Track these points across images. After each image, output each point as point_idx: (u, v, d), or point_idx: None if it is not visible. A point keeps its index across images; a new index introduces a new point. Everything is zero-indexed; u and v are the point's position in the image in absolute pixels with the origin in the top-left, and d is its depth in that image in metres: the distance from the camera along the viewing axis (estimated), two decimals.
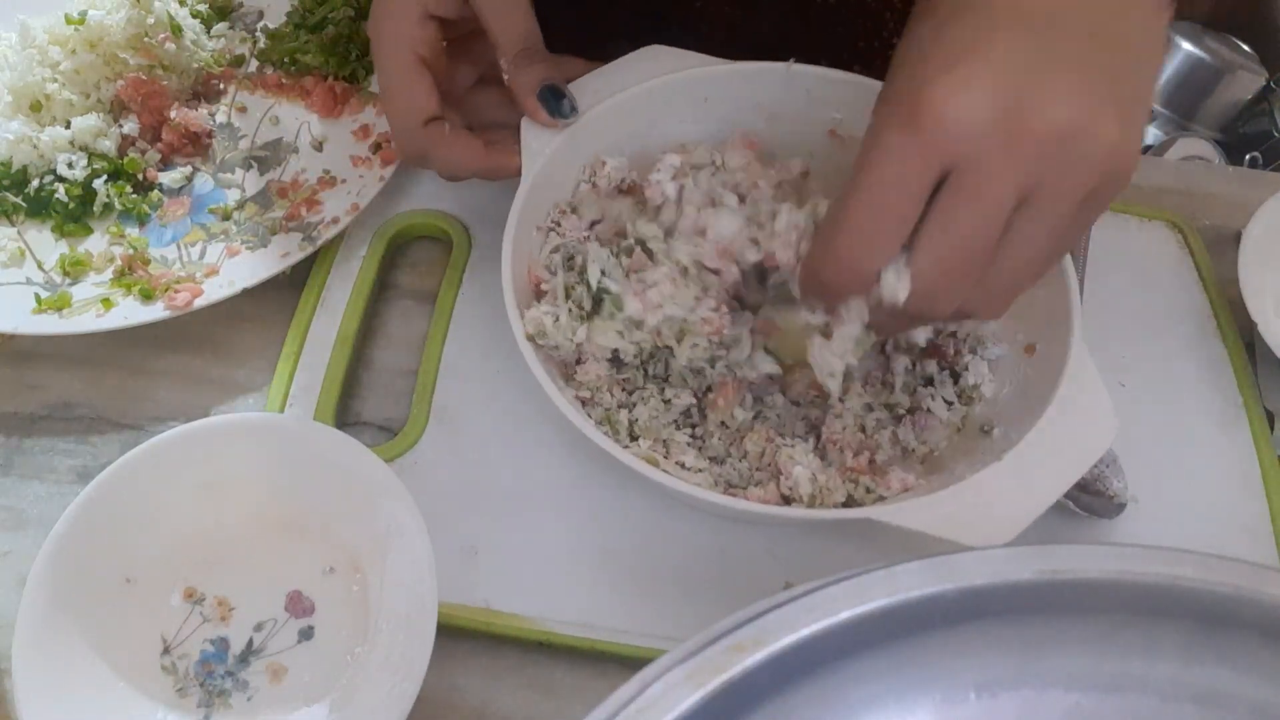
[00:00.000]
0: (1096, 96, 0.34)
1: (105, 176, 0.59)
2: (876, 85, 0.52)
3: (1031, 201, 0.35)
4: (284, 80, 0.65)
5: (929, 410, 0.49)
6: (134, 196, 0.59)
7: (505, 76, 0.50)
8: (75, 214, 0.58)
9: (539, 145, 0.49)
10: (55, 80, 0.61)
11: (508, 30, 0.49)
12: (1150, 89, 0.37)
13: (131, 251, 0.56)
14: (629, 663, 0.45)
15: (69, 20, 0.61)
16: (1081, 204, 0.35)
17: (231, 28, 0.68)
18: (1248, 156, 1.58)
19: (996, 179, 0.34)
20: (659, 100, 0.52)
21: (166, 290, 0.54)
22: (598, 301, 0.48)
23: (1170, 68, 1.64)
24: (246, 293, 0.54)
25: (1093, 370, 0.44)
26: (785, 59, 0.51)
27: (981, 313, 0.39)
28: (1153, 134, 1.65)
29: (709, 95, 0.53)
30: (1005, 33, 0.34)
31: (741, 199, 0.48)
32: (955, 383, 0.49)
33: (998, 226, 0.35)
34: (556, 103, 0.49)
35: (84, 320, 0.53)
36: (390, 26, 0.49)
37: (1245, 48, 1.62)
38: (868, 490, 0.45)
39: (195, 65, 0.64)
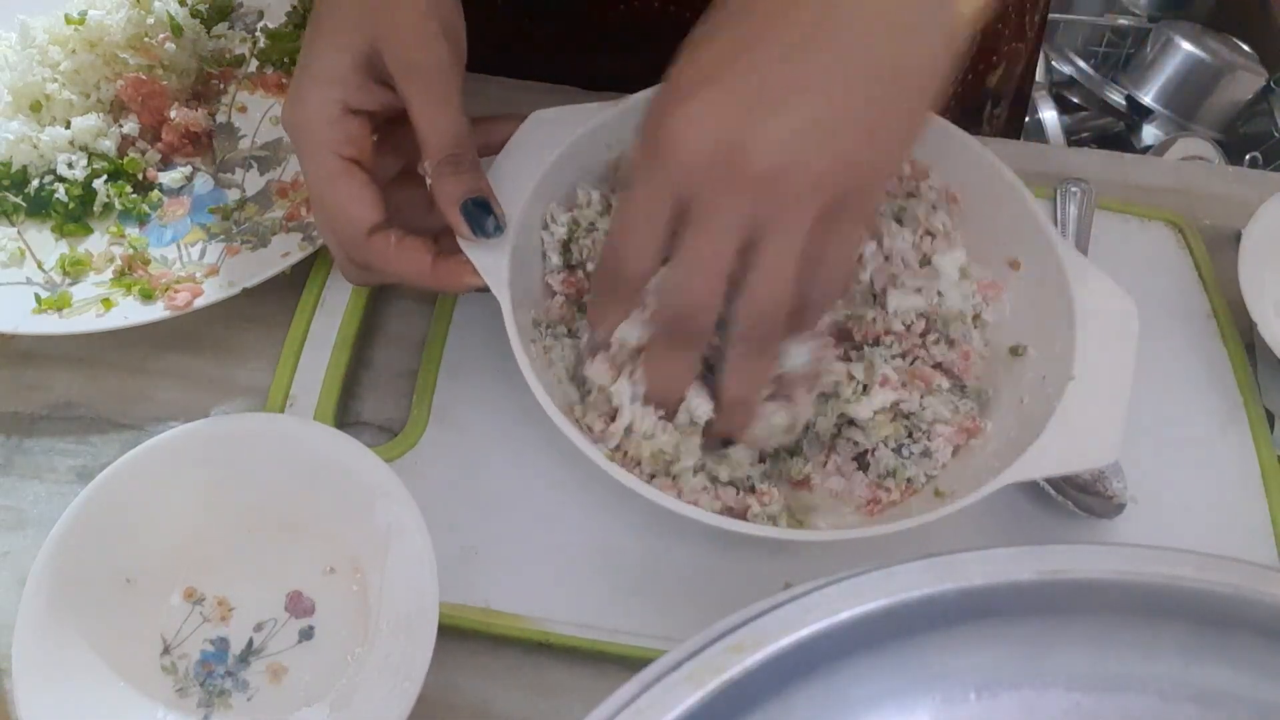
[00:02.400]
0: (820, 126, 0.36)
1: (105, 176, 0.59)
2: None
3: (760, 234, 0.37)
4: (284, 80, 0.65)
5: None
6: (134, 196, 0.59)
7: (429, 181, 0.46)
8: (75, 214, 0.58)
9: (490, 261, 0.46)
10: (55, 80, 0.61)
11: (437, 131, 0.45)
12: (916, 102, 0.38)
13: (131, 251, 0.56)
14: (629, 663, 0.45)
15: (69, 20, 0.61)
16: (829, 217, 0.37)
17: (231, 28, 0.68)
18: (1248, 156, 1.58)
19: (720, 211, 0.37)
20: (572, 167, 0.50)
21: (166, 290, 0.54)
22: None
23: (1170, 68, 1.64)
24: (246, 293, 0.54)
25: (1092, 268, 0.46)
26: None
27: (747, 334, 0.40)
28: (1152, 134, 1.66)
29: (610, 142, 0.51)
30: (749, 61, 0.36)
31: None
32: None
33: (725, 254, 0.37)
34: (482, 219, 0.45)
35: (84, 320, 0.53)
36: (309, 128, 0.45)
37: (1245, 48, 1.62)
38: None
39: (195, 65, 0.64)
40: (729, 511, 0.45)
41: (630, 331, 0.43)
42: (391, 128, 0.48)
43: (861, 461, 0.48)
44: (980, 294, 0.51)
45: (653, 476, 0.46)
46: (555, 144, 0.49)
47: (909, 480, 0.47)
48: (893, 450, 0.47)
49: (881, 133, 0.37)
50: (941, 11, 0.37)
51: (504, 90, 0.67)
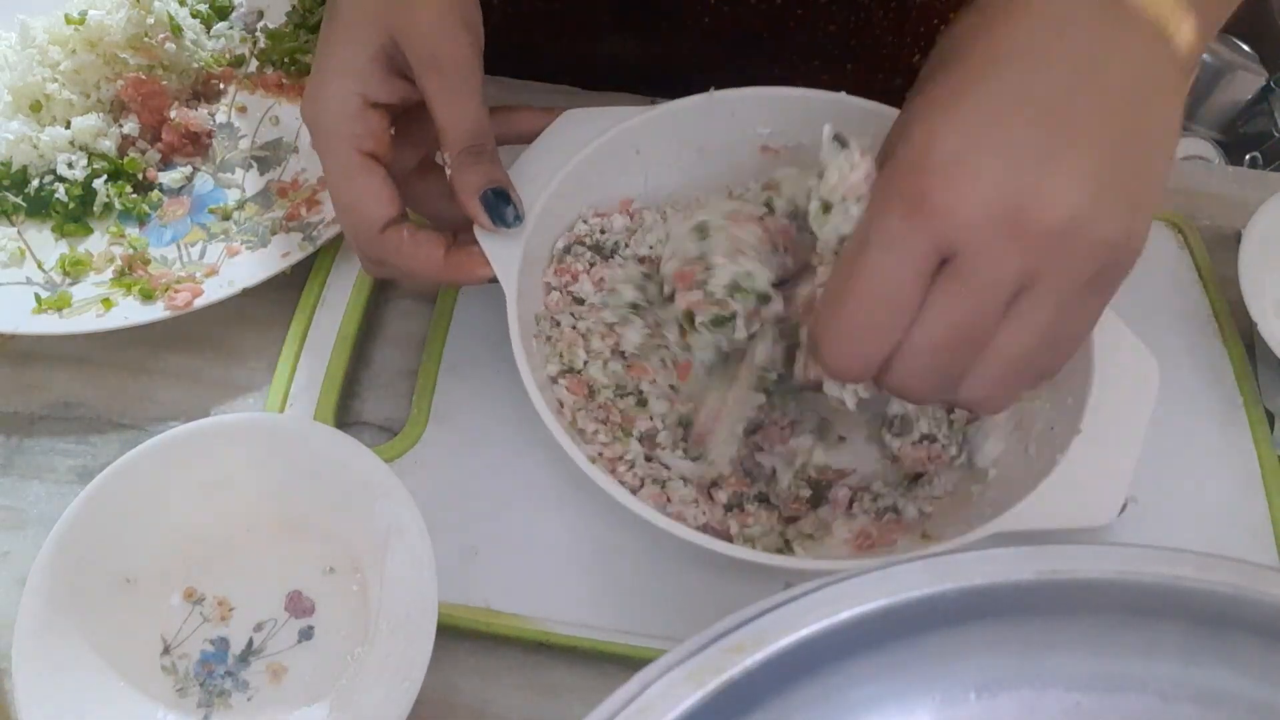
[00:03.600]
0: (1103, 188, 0.33)
1: (105, 176, 0.59)
2: (795, 94, 0.52)
3: (1030, 290, 0.34)
4: (284, 80, 0.65)
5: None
6: (134, 196, 0.59)
7: (448, 172, 0.46)
8: (75, 214, 0.58)
9: (504, 252, 0.46)
10: (55, 80, 0.61)
11: (456, 122, 0.45)
12: (1163, 172, 0.36)
13: (131, 251, 0.56)
14: (629, 663, 0.45)
15: (69, 20, 0.61)
16: (1083, 290, 0.35)
17: (231, 28, 0.68)
18: (1248, 156, 1.58)
19: (996, 269, 0.34)
20: (595, 168, 0.51)
21: (166, 290, 0.54)
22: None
23: None
24: (246, 293, 0.54)
25: (1117, 322, 0.45)
26: (777, 54, 0.51)
27: (980, 404, 0.38)
28: None
29: (640, 146, 0.52)
30: (1018, 117, 0.34)
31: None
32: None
33: (993, 316, 0.35)
34: (501, 209, 0.46)
35: (84, 320, 0.53)
36: (330, 122, 0.45)
37: (1245, 48, 1.62)
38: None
39: (195, 65, 0.64)
40: (710, 530, 0.45)
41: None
42: (409, 119, 0.48)
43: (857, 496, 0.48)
44: None
45: (642, 484, 0.46)
46: (583, 143, 0.50)
47: (897, 513, 0.46)
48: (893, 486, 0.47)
49: (1148, 196, 0.35)
50: (1174, 71, 0.36)
51: (503, 90, 0.67)
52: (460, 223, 0.47)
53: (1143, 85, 0.35)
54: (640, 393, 0.49)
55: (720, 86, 0.52)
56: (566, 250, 0.52)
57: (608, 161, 0.51)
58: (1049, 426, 0.46)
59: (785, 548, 0.45)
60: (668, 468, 0.47)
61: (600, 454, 0.46)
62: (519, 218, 0.46)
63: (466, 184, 0.46)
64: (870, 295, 0.35)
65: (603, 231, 0.52)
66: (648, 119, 0.51)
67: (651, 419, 0.48)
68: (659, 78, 0.65)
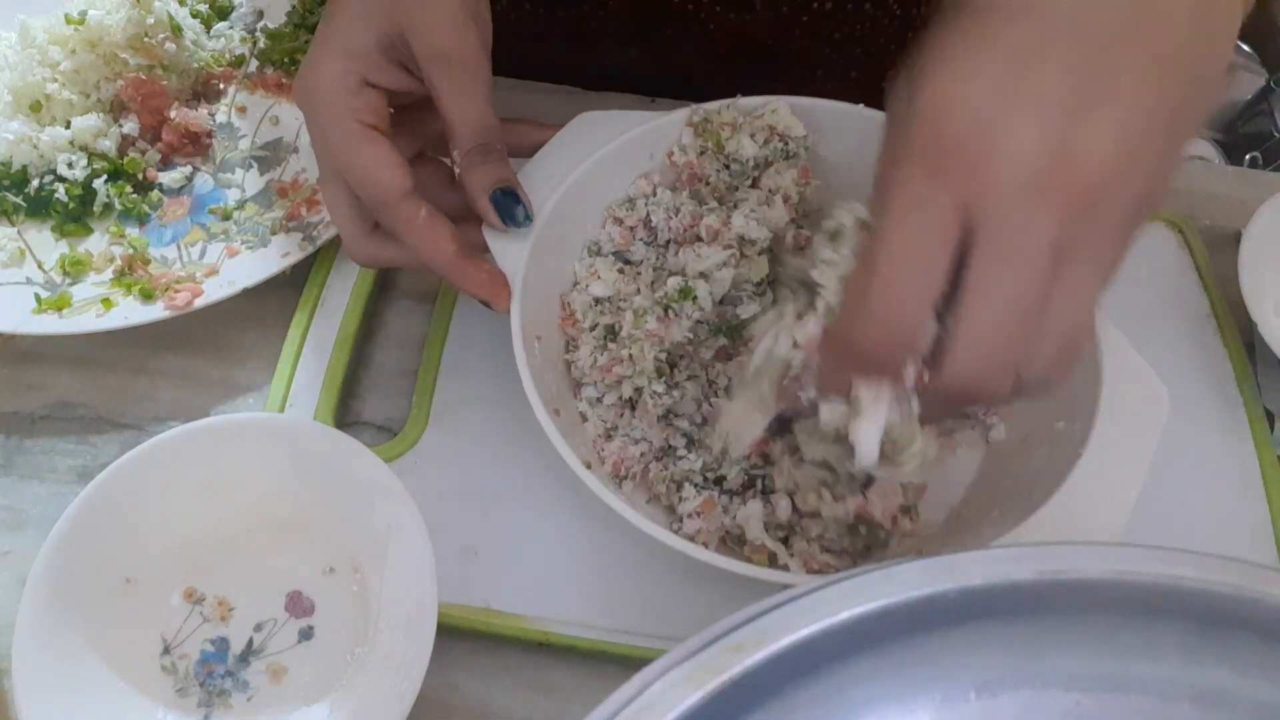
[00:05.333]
0: (1142, 137, 0.31)
1: (105, 176, 0.59)
2: (808, 104, 0.52)
3: (1069, 254, 0.31)
4: (284, 80, 0.65)
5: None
6: (134, 196, 0.59)
7: (457, 170, 0.46)
8: (75, 214, 0.58)
9: (511, 252, 0.46)
10: (55, 80, 0.61)
11: (466, 120, 0.44)
12: (1206, 110, 0.34)
13: (131, 251, 0.56)
14: (629, 663, 0.45)
15: (69, 20, 0.61)
16: (1116, 234, 0.33)
17: (231, 28, 0.68)
18: (1248, 156, 1.58)
19: (1030, 240, 0.31)
20: (608, 170, 0.51)
21: (166, 290, 0.54)
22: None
23: None
24: (246, 293, 0.54)
25: (1127, 347, 0.44)
26: (782, 63, 0.51)
27: (1042, 385, 0.34)
28: None
29: (653, 150, 0.52)
30: (1040, 75, 0.31)
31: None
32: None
33: (1036, 287, 0.31)
34: (511, 208, 0.45)
35: (84, 320, 0.53)
36: (329, 95, 0.44)
37: (1245, 48, 1.62)
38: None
39: (195, 65, 0.64)
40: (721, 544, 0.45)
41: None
42: (405, 113, 0.48)
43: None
44: None
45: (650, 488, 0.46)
46: (596, 146, 0.50)
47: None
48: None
49: (1186, 138, 0.33)
50: (1231, 13, 0.33)
51: (504, 90, 0.67)
52: (459, 213, 0.47)
53: (1200, 15, 0.32)
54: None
55: (723, 95, 0.53)
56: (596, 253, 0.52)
57: (620, 165, 0.51)
58: (1053, 449, 0.45)
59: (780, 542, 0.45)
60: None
61: (602, 450, 0.46)
62: (529, 217, 0.46)
63: (476, 183, 0.45)
64: (898, 268, 0.32)
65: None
66: (663, 124, 0.51)
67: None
68: (662, 85, 0.65)
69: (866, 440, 0.36)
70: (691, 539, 0.43)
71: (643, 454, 0.47)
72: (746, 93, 0.53)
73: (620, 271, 0.51)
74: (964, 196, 0.31)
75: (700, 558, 0.41)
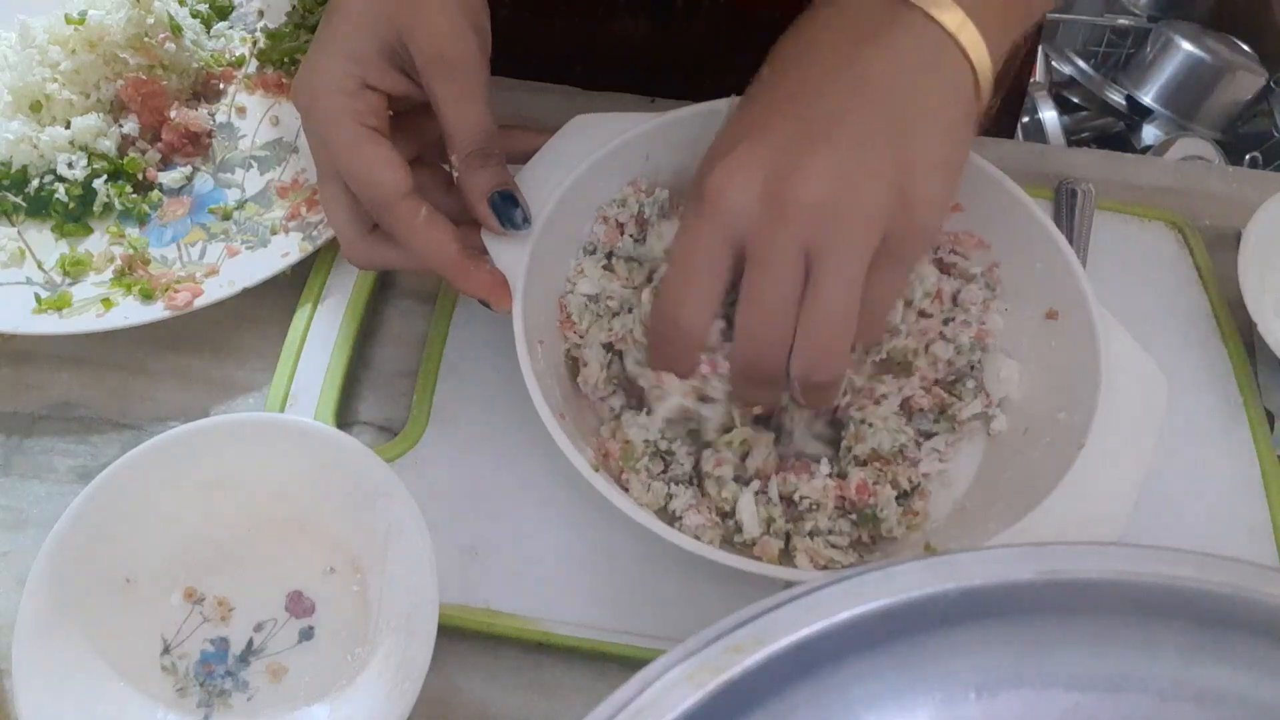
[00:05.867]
0: (858, 166, 0.38)
1: (105, 176, 0.59)
2: None
3: (817, 263, 0.38)
4: (284, 80, 0.65)
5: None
6: (134, 196, 0.59)
7: (455, 175, 0.46)
8: (75, 214, 0.58)
9: (511, 256, 0.46)
10: (55, 80, 0.61)
11: (465, 125, 0.45)
12: (938, 151, 0.39)
13: (131, 251, 0.56)
14: (629, 663, 0.45)
15: (69, 20, 0.61)
16: (876, 260, 0.38)
17: (231, 28, 0.68)
18: (1248, 156, 1.58)
19: (775, 247, 0.38)
20: (604, 173, 0.50)
21: (166, 290, 0.54)
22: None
23: (1170, 68, 1.64)
24: (246, 293, 0.54)
25: (1126, 337, 0.45)
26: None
27: (809, 376, 0.40)
28: (1152, 134, 1.65)
29: (649, 152, 0.52)
30: (783, 113, 0.39)
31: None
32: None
33: (790, 288, 0.38)
34: (510, 211, 0.46)
35: (84, 320, 0.53)
36: (328, 96, 0.44)
37: (1245, 48, 1.62)
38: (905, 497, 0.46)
39: (195, 65, 0.64)
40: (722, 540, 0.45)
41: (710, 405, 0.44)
42: (403, 118, 0.48)
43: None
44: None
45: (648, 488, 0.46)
46: (591, 149, 0.50)
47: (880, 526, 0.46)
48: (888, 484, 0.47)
49: (916, 173, 0.38)
50: (949, 60, 0.40)
51: (499, 90, 0.67)
52: (457, 214, 0.47)
53: (905, 78, 0.39)
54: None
55: (727, 80, 0.52)
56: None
57: (617, 167, 0.51)
58: (1053, 440, 0.45)
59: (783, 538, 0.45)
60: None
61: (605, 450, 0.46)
62: (527, 220, 0.46)
63: (474, 187, 0.46)
64: (682, 275, 0.40)
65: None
66: (658, 125, 0.51)
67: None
68: (663, 72, 0.65)
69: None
70: (697, 537, 0.43)
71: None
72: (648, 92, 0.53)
73: (606, 269, 0.50)
74: (719, 217, 0.39)
75: (711, 556, 0.40)
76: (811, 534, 0.45)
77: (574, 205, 0.50)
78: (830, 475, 0.46)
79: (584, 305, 0.50)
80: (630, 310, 0.49)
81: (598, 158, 0.49)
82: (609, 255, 0.51)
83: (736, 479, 0.46)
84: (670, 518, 0.45)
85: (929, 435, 0.49)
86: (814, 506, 0.45)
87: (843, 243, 0.38)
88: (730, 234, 0.39)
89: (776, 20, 0.43)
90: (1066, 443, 0.44)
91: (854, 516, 0.46)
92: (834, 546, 0.45)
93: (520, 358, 0.44)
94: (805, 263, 0.38)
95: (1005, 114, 0.77)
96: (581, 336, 0.49)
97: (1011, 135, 0.81)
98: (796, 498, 0.46)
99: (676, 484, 0.46)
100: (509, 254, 0.46)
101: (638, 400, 0.48)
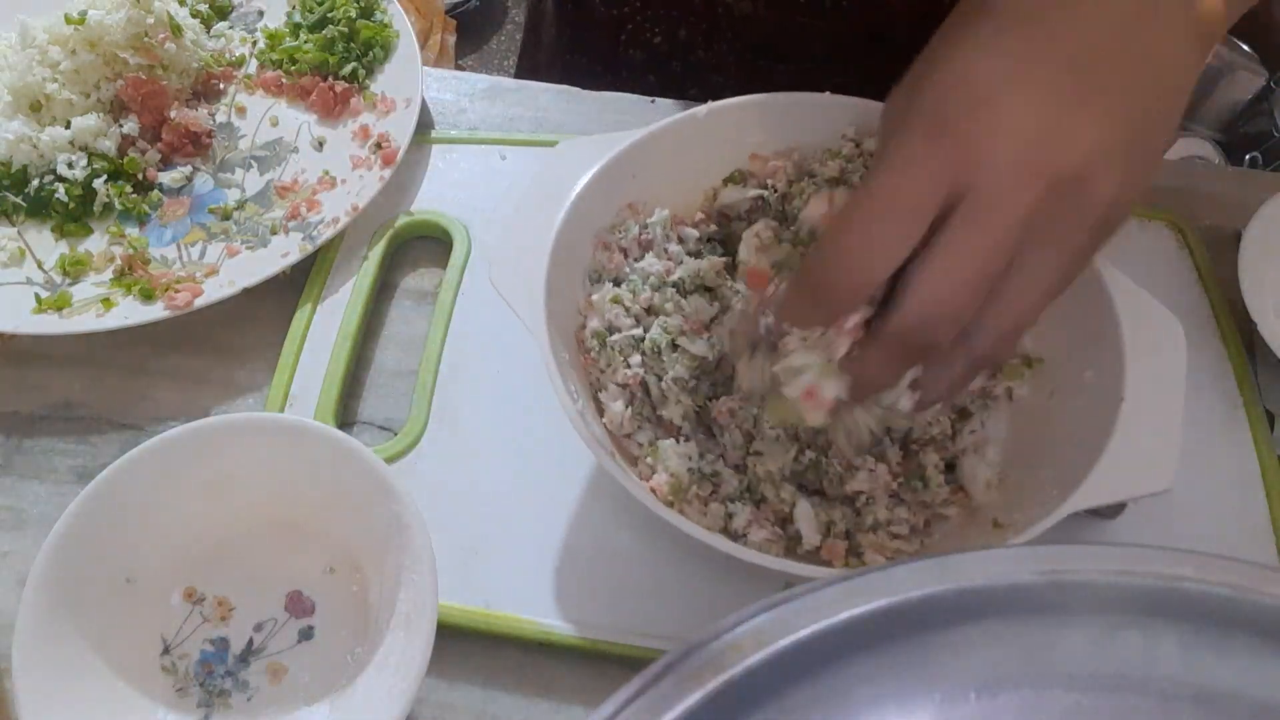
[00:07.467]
0: (1120, 141, 0.35)
1: (105, 176, 0.59)
2: (782, 99, 0.52)
3: (1039, 235, 0.35)
4: (284, 80, 0.65)
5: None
6: (134, 196, 0.59)
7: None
8: (75, 214, 0.58)
9: (526, 291, 0.45)
10: (55, 80, 0.61)
11: None
12: (1169, 139, 0.38)
13: (131, 251, 0.57)
14: (629, 663, 0.45)
15: (69, 20, 0.61)
16: (1086, 237, 0.36)
17: (231, 28, 0.68)
18: (1248, 156, 1.58)
19: (1007, 210, 0.34)
20: (595, 197, 0.50)
21: (166, 290, 0.54)
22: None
23: None
24: (246, 293, 0.54)
25: (1133, 285, 0.46)
26: (803, 48, 0.50)
27: (986, 347, 0.37)
28: None
29: (635, 171, 0.51)
30: (1049, 64, 0.35)
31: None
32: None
33: (1002, 256, 0.35)
34: None
35: (84, 320, 0.53)
36: None
37: (1245, 48, 1.62)
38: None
39: (195, 65, 0.64)
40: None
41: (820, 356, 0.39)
42: None
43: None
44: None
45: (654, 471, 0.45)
46: (580, 174, 0.49)
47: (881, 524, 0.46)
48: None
49: (1155, 156, 0.37)
50: (1198, 43, 0.38)
51: (504, 91, 0.67)
52: None
53: (1169, 53, 0.36)
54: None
55: (734, 86, 0.52)
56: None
57: (606, 189, 0.50)
58: (1087, 399, 0.46)
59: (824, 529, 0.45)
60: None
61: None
62: None
63: None
64: (883, 209, 0.35)
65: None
66: (641, 142, 0.50)
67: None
68: (783, 55, 0.65)
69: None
70: (760, 549, 0.43)
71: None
72: (756, 77, 0.52)
73: (614, 300, 0.49)
74: (956, 161, 0.34)
75: (785, 569, 0.40)
76: (873, 528, 0.45)
77: (573, 234, 0.49)
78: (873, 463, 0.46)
79: (598, 337, 0.49)
80: (658, 354, 0.48)
81: (587, 181, 0.49)
82: (615, 282, 0.51)
83: (788, 478, 0.46)
84: (733, 536, 0.45)
85: (965, 415, 0.49)
86: (869, 501, 0.45)
87: (1075, 222, 0.35)
88: (962, 178, 0.34)
89: (901, 22, 0.42)
90: (1102, 399, 0.44)
91: (901, 481, 0.46)
92: (897, 537, 0.45)
93: (565, 409, 0.42)
94: (1025, 233, 0.35)
95: None
96: (602, 371, 0.48)
97: None
98: (850, 492, 0.46)
99: (731, 501, 0.45)
100: (522, 298, 0.45)
101: (665, 431, 0.47)
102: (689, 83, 0.67)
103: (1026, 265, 0.35)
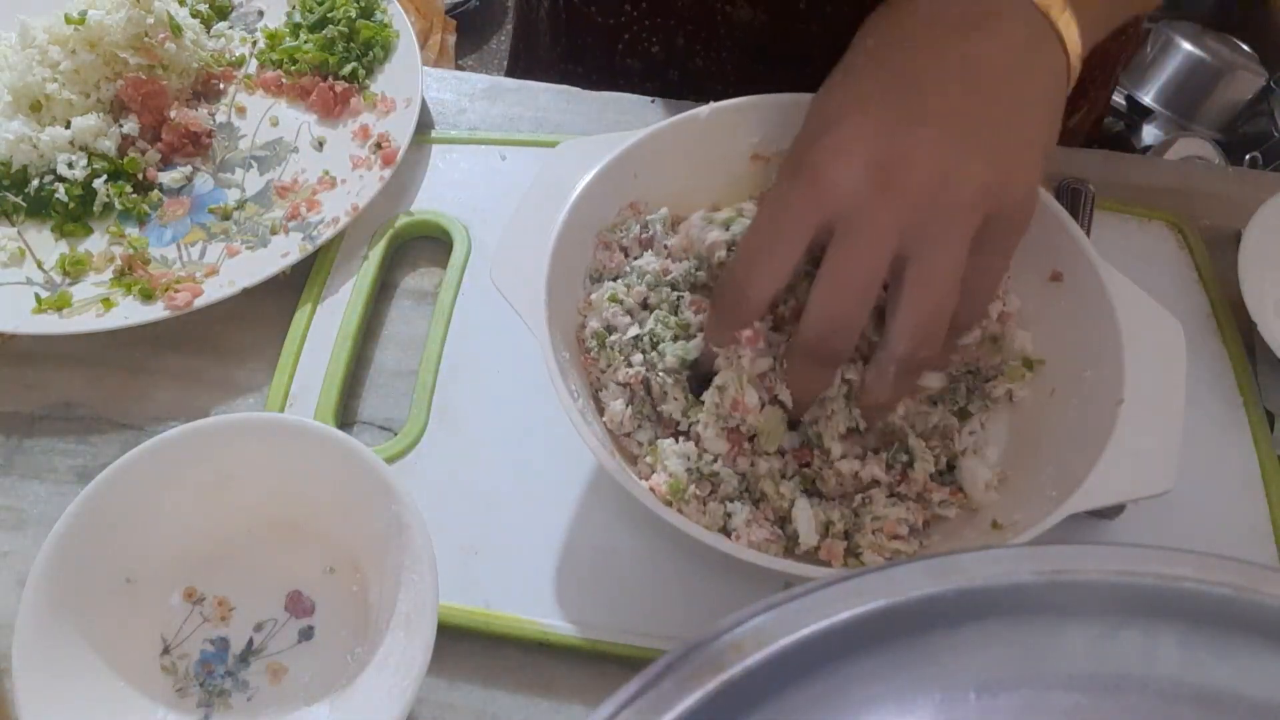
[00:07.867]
0: (963, 149, 0.38)
1: (105, 176, 0.59)
2: (784, 99, 0.52)
3: (918, 243, 0.38)
4: (284, 80, 0.65)
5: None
6: (134, 196, 0.59)
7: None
8: (75, 214, 0.58)
9: (528, 294, 0.45)
10: (55, 80, 0.61)
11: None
12: (1037, 138, 0.40)
13: (131, 251, 0.57)
14: (629, 663, 0.45)
15: (69, 20, 0.61)
16: (974, 245, 0.38)
17: (231, 28, 0.68)
18: (1248, 156, 1.58)
19: (870, 226, 0.38)
20: (596, 197, 0.50)
21: (166, 290, 0.54)
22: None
23: (1170, 68, 1.64)
24: (246, 293, 0.54)
25: (1132, 286, 0.46)
26: (802, 54, 0.50)
27: (903, 350, 0.40)
28: (1152, 134, 1.66)
29: (637, 171, 0.51)
30: (889, 94, 0.40)
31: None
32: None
33: (878, 265, 0.38)
34: None
35: (84, 320, 0.53)
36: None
37: (1245, 48, 1.62)
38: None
39: (195, 65, 0.64)
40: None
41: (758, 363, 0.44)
42: None
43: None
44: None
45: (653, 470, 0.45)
46: (581, 175, 0.49)
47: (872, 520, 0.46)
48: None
49: (1018, 157, 0.39)
50: (1049, 51, 0.41)
51: (503, 92, 0.67)
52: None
53: (1012, 61, 0.40)
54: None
55: (735, 88, 0.52)
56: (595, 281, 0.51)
57: (607, 189, 0.50)
58: (1088, 401, 0.46)
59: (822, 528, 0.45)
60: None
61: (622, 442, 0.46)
62: None
63: None
64: (760, 241, 0.40)
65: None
66: (643, 141, 0.50)
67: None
68: (778, 60, 0.65)
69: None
70: (759, 549, 0.43)
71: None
72: (754, 83, 0.52)
73: (612, 299, 0.49)
74: (815, 194, 0.38)
75: (785, 569, 0.40)
76: (873, 529, 0.45)
77: (575, 234, 0.48)
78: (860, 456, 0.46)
79: (598, 338, 0.49)
80: (655, 346, 0.48)
81: (588, 181, 0.49)
82: (615, 280, 0.50)
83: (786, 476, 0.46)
84: (730, 535, 0.45)
85: (965, 416, 0.49)
86: (867, 501, 0.45)
87: (946, 224, 0.38)
88: (824, 208, 0.38)
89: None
90: (1101, 399, 0.44)
91: (887, 457, 0.46)
92: (896, 537, 0.45)
93: (566, 408, 0.42)
94: (897, 246, 0.38)
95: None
96: (603, 371, 0.48)
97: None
98: (839, 474, 0.46)
99: (730, 501, 0.45)
100: (526, 292, 0.45)
101: (665, 429, 0.47)
102: (687, 91, 0.68)
103: (915, 269, 0.38)
